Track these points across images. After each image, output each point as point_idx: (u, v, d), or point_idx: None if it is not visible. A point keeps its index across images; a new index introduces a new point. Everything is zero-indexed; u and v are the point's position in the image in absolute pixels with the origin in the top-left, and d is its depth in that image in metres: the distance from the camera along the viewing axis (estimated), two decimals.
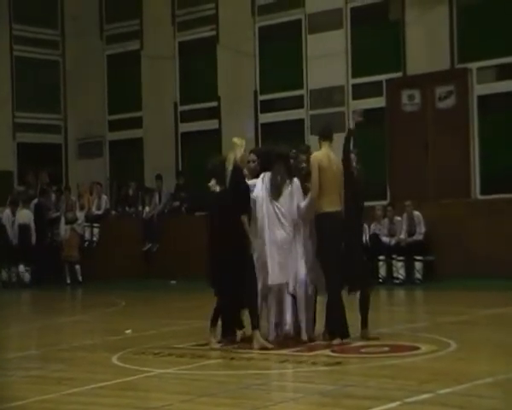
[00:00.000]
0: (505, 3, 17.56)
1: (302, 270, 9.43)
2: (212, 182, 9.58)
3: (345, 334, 9.26)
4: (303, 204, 9.46)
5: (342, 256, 9.40)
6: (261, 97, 20.62)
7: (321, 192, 9.35)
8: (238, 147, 9.38)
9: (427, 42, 18.09)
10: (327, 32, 19.36)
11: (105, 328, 12.48)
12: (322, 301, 9.64)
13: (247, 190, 9.31)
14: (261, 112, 20.60)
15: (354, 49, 19.18)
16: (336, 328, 9.28)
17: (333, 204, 9.37)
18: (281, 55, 20.37)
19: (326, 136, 9.72)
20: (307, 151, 9.88)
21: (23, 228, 20.71)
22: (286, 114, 20.03)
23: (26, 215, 20.84)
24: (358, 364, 8.41)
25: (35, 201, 21.41)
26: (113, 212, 22.01)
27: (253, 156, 9.84)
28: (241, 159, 9.37)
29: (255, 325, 9.15)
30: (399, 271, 16.94)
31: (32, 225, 20.76)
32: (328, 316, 9.40)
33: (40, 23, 23.55)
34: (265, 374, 8.13)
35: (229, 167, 9.33)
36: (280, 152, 9.62)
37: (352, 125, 9.75)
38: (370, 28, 19.11)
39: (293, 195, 9.49)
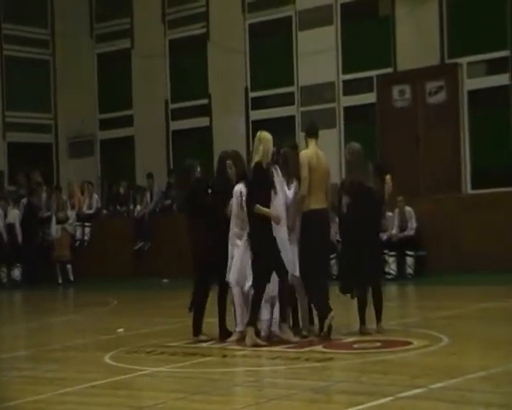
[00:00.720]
0: None
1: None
2: None
3: (328, 310, 9.29)
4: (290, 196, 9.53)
5: (347, 255, 9.51)
6: (252, 94, 20.62)
7: (309, 190, 9.37)
8: (268, 141, 9.32)
9: (417, 37, 18.10)
10: (317, 28, 19.37)
11: (97, 327, 12.46)
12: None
13: (269, 184, 9.29)
14: (252, 109, 20.60)
15: (344, 46, 19.20)
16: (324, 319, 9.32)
17: (319, 202, 9.41)
18: (271, 52, 20.37)
19: (312, 133, 9.73)
20: (295, 148, 9.88)
21: (11, 228, 20.75)
22: (277, 110, 20.02)
23: (13, 215, 20.87)
24: (351, 360, 8.42)
25: (24, 200, 21.39)
26: (105, 211, 21.99)
27: (229, 162, 9.84)
28: (269, 154, 9.32)
29: (251, 322, 9.15)
30: (391, 266, 16.96)
31: (18, 225, 20.76)
32: (319, 314, 9.42)
33: (30, 22, 23.50)
34: (258, 371, 8.14)
35: (255, 159, 9.25)
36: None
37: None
38: (361, 24, 19.12)
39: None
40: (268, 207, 9.17)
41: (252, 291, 9.38)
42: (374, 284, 9.62)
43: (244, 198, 9.41)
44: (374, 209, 9.67)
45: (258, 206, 9.09)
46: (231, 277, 9.57)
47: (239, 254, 9.52)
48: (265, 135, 9.35)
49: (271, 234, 9.15)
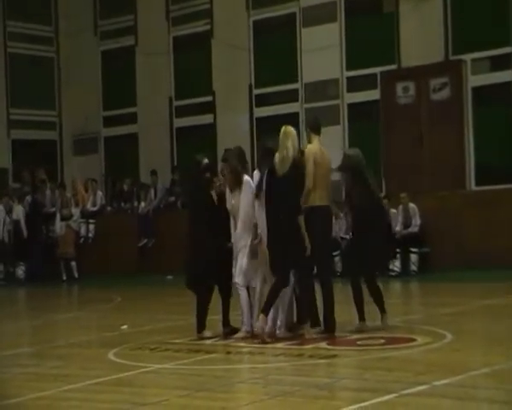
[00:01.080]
0: None
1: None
2: None
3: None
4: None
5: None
6: (256, 91, 20.61)
7: (313, 186, 9.35)
8: (295, 136, 9.25)
9: (421, 34, 18.07)
10: (321, 25, 19.36)
11: (101, 324, 12.48)
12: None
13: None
14: (256, 106, 20.59)
15: (348, 42, 19.18)
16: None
17: (323, 199, 9.37)
18: (275, 49, 20.36)
19: (317, 129, 9.70)
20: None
21: (16, 224, 20.81)
22: (281, 107, 20.00)
23: (17, 212, 20.93)
24: (355, 356, 8.41)
25: (28, 197, 21.43)
26: (109, 208, 22.01)
27: (222, 166, 9.83)
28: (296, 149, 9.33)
29: (264, 310, 9.10)
30: (395, 263, 16.93)
31: (23, 222, 20.81)
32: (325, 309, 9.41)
33: (34, 20, 23.52)
34: (262, 368, 8.12)
35: (289, 154, 9.14)
36: (267, 147, 9.57)
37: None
38: (365, 21, 19.10)
39: None
40: None
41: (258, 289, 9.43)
42: (367, 281, 9.58)
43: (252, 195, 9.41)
44: (374, 213, 9.64)
45: (301, 219, 9.06)
46: (238, 278, 9.52)
47: (244, 254, 9.49)
48: (291, 130, 9.29)
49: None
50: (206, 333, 9.73)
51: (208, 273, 9.57)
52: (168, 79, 22.02)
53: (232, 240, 9.71)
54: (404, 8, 18.33)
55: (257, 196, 9.44)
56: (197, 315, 9.75)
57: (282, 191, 9.11)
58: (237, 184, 9.58)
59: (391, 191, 17.89)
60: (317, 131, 9.71)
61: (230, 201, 9.65)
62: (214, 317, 9.99)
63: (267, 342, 9.05)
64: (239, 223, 9.56)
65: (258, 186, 9.43)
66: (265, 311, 9.11)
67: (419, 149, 17.98)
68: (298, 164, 9.17)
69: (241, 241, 9.55)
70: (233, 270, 9.62)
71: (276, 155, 9.25)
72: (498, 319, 10.35)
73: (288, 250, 9.05)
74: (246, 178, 9.64)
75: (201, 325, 9.75)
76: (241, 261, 9.52)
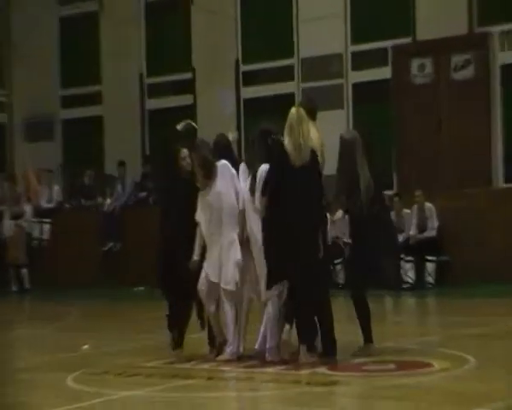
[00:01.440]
0: None
1: None
2: None
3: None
4: None
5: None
6: (243, 68, 20.67)
7: None
8: (308, 120, 9.28)
9: (440, 1, 18.16)
10: None
11: (57, 344, 12.49)
12: None
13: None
14: (243, 85, 20.66)
15: (354, 11, 19.26)
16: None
17: None
18: (267, 18, 20.42)
19: (314, 113, 9.71)
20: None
21: None
22: (273, 87, 20.08)
23: None
24: (360, 384, 8.45)
25: None
26: (67, 205, 22.01)
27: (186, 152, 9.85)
28: None
29: (289, 320, 9.21)
30: (408, 273, 17.04)
31: None
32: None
33: None
34: (249, 397, 8.17)
35: (308, 141, 9.10)
36: (264, 129, 9.56)
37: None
38: None
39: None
40: None
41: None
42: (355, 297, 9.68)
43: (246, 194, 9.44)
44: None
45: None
46: (229, 285, 9.44)
47: (232, 253, 9.51)
48: (304, 113, 9.26)
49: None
50: (171, 352, 9.78)
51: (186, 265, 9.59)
52: (139, 51, 22.04)
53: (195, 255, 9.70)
54: None
55: (263, 194, 9.31)
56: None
57: (302, 184, 9.08)
58: (210, 177, 9.56)
59: (403, 188, 17.98)
60: (314, 116, 9.74)
61: (202, 200, 9.59)
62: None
63: (277, 363, 9.06)
64: (223, 217, 9.50)
65: (264, 183, 9.29)
66: (291, 321, 9.15)
67: (437, 137, 18.07)
68: (316, 153, 9.18)
69: (222, 237, 9.53)
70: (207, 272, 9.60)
71: (287, 142, 9.21)
72: None
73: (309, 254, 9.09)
74: (221, 162, 9.58)
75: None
76: (232, 269, 9.49)
